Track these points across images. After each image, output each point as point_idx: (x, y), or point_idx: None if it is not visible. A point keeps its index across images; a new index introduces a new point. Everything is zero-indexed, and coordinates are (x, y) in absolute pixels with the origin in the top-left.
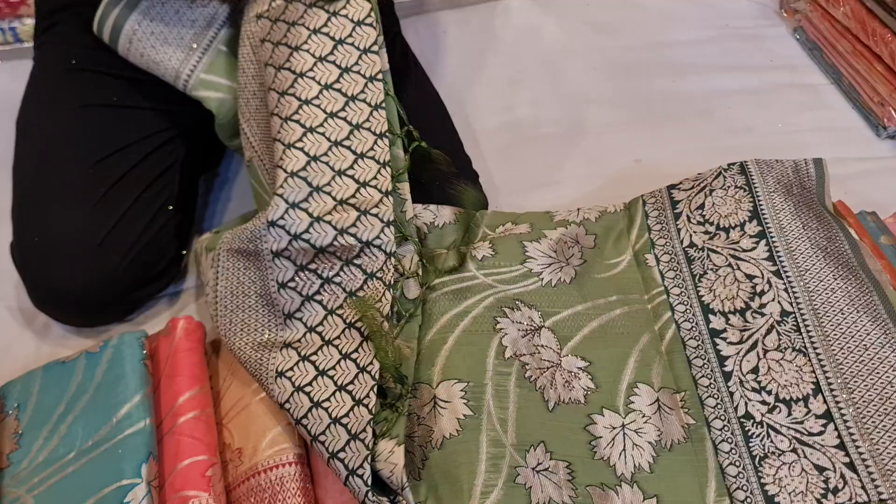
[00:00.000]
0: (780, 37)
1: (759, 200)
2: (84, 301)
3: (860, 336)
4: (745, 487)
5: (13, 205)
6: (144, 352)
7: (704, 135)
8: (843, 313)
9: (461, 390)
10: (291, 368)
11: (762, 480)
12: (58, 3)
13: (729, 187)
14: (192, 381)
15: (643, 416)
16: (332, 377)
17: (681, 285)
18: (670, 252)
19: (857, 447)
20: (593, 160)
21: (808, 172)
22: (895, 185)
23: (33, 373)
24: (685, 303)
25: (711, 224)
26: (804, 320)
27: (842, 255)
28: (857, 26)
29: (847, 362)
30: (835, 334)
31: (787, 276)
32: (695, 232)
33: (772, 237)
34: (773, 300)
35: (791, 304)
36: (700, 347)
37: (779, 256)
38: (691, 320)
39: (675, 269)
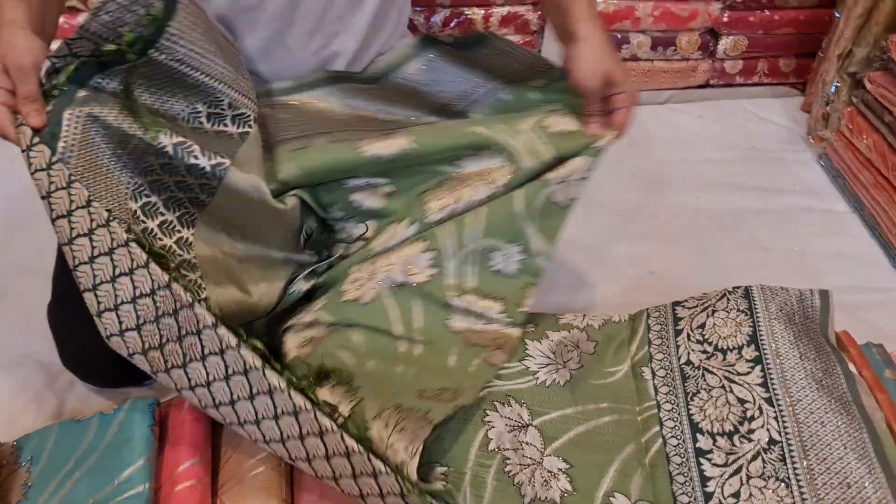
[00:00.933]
0: (805, 162)
1: (759, 326)
2: (106, 365)
3: (844, 472)
4: None
5: (55, 266)
6: (154, 418)
7: (721, 251)
8: (829, 447)
9: (441, 473)
10: None
11: None
12: None
13: (731, 310)
14: (193, 450)
15: None
16: None
17: (673, 401)
18: (667, 367)
19: None
20: (609, 268)
21: (813, 303)
22: None
23: (50, 428)
24: (675, 419)
25: (710, 344)
26: (790, 451)
27: (836, 388)
28: (878, 159)
29: (829, 498)
30: (819, 468)
31: (779, 405)
32: (693, 350)
33: (767, 364)
34: (763, 427)
35: (780, 432)
36: (684, 465)
37: (772, 384)
38: (679, 437)
39: (670, 384)
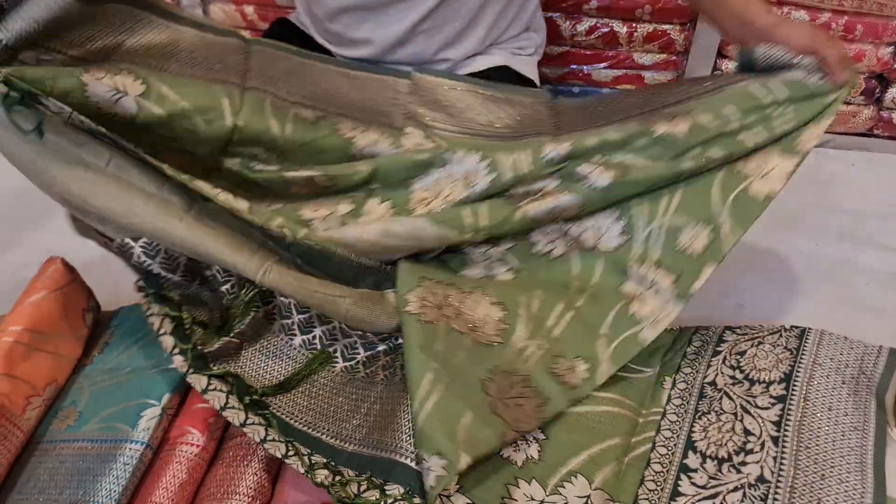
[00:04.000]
0: None
1: (798, 367)
2: None
3: None
4: None
5: None
6: None
7: (829, 304)
8: (819, 502)
9: None
10: None
11: None
12: None
13: (778, 346)
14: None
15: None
16: None
17: (680, 415)
18: (689, 382)
19: None
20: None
21: (878, 361)
22: None
23: (139, 306)
24: (674, 431)
25: (742, 372)
26: (776, 494)
27: (858, 447)
28: None
29: None
30: None
31: (784, 447)
32: (721, 373)
33: (790, 405)
34: (758, 463)
35: (773, 473)
36: (661, 474)
37: (787, 425)
38: (669, 448)
39: (684, 399)
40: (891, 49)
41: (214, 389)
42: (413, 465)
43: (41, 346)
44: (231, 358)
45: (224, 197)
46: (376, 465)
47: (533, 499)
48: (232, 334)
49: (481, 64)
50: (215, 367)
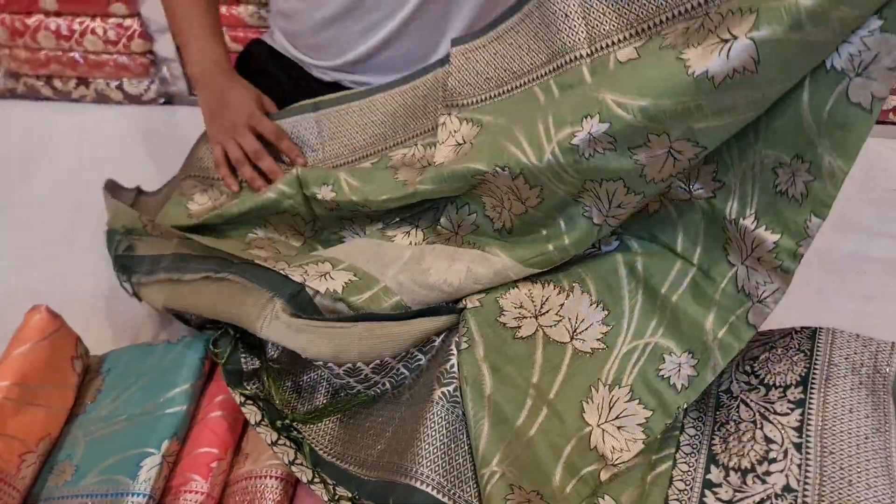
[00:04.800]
0: None
1: (814, 369)
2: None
3: None
4: None
5: None
6: (205, 353)
7: (830, 296)
8: None
9: None
10: None
11: None
12: (247, 70)
13: (791, 348)
14: None
15: None
16: None
17: (699, 428)
18: (704, 393)
19: None
20: None
21: (891, 359)
22: None
23: (129, 347)
24: (694, 446)
25: (756, 377)
26: (804, 502)
27: (882, 449)
28: None
29: None
30: None
31: (808, 453)
32: (736, 380)
33: (810, 409)
34: (782, 472)
35: (799, 482)
36: (685, 492)
37: (808, 431)
38: (691, 465)
39: (701, 410)
40: None
41: (251, 404)
42: (434, 492)
43: (31, 399)
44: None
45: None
46: (396, 491)
47: None
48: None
49: None
50: (249, 387)
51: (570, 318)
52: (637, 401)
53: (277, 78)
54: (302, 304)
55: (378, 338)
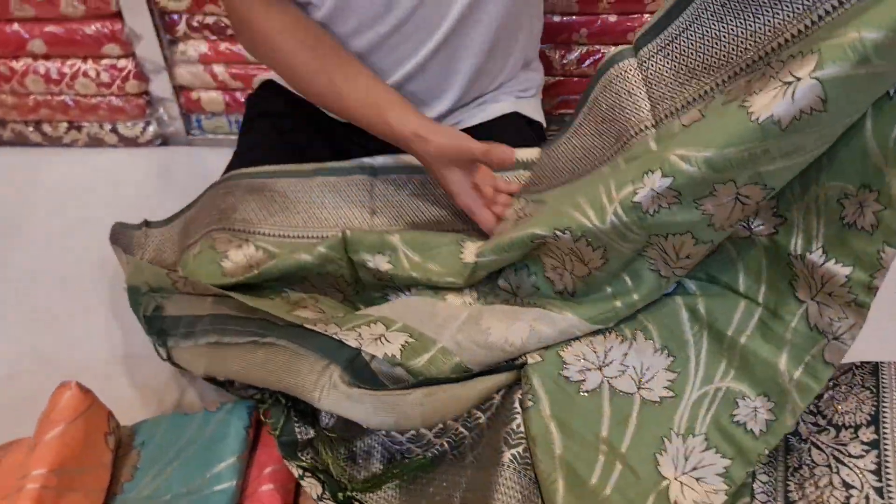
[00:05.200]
0: None
1: (883, 407)
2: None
3: None
4: None
5: None
6: (250, 421)
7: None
8: None
9: None
10: None
11: None
12: (257, 111)
13: (855, 385)
14: (278, 456)
15: None
16: None
17: (771, 473)
18: None
19: None
20: None
21: None
22: None
23: (162, 418)
24: (769, 494)
25: (824, 418)
26: None
27: None
28: None
29: None
30: None
31: (891, 498)
32: (803, 421)
33: (886, 450)
34: None
35: None
36: None
37: (888, 474)
38: None
39: (771, 454)
40: None
41: (310, 477)
42: None
43: (70, 484)
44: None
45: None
46: None
47: None
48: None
49: (491, 112)
50: (305, 458)
51: (634, 368)
52: (714, 450)
53: (294, 121)
54: (359, 369)
55: (440, 401)
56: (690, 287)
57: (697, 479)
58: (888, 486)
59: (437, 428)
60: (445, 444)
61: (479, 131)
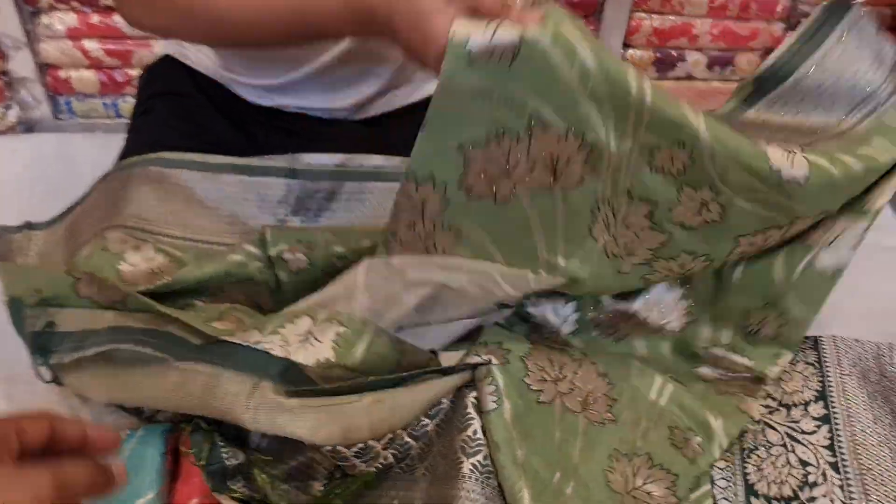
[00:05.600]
0: None
1: (828, 381)
2: None
3: None
4: None
5: None
6: (165, 446)
7: None
8: None
9: None
10: None
11: None
12: (156, 90)
13: (798, 362)
14: (203, 486)
15: None
16: None
17: (728, 458)
18: None
19: None
20: None
21: (892, 361)
22: None
23: None
24: (728, 479)
25: (773, 399)
26: None
27: None
28: None
29: None
30: None
31: (846, 472)
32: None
33: (836, 424)
34: (825, 496)
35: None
36: None
37: (840, 448)
38: (731, 499)
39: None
40: (782, 25)
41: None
42: None
43: None
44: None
45: None
46: None
47: None
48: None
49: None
50: (236, 486)
51: (581, 388)
52: (659, 466)
53: (202, 104)
54: (293, 380)
55: (388, 410)
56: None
57: (649, 493)
58: (843, 460)
59: (385, 439)
60: (391, 455)
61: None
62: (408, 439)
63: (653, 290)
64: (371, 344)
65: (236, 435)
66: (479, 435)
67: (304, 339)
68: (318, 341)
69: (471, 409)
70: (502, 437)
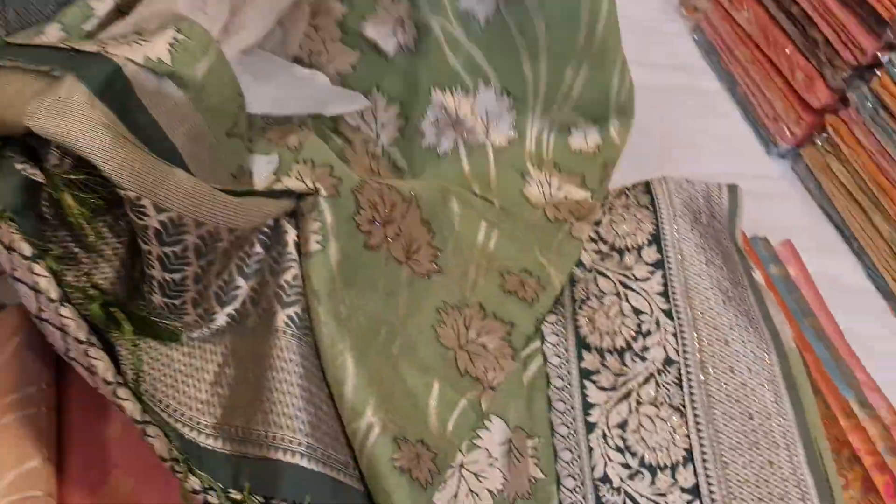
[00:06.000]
0: (677, 35)
1: (662, 223)
2: None
3: (748, 401)
4: None
5: None
6: None
7: None
8: (732, 372)
9: None
10: None
11: None
12: None
13: (631, 205)
14: None
15: (489, 457)
16: None
17: (558, 311)
18: None
19: None
20: None
21: (721, 201)
22: (783, 210)
23: None
24: (559, 333)
25: (605, 243)
26: (689, 373)
27: (744, 301)
28: (758, 33)
29: (727, 430)
30: (719, 395)
31: (679, 318)
32: (585, 250)
33: (670, 269)
34: (659, 344)
35: (678, 351)
36: (565, 390)
37: (674, 293)
38: (562, 355)
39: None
40: None
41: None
42: (305, 462)
43: None
44: None
45: None
46: (254, 469)
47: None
48: None
49: None
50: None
51: (405, 233)
52: (493, 316)
53: None
54: (116, 94)
55: (208, 195)
56: None
57: (483, 346)
58: (676, 306)
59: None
60: (192, 254)
61: None
62: (237, 278)
63: (480, 93)
64: (215, 67)
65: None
66: (298, 282)
67: (129, 41)
68: (147, 42)
69: (291, 249)
70: (325, 286)
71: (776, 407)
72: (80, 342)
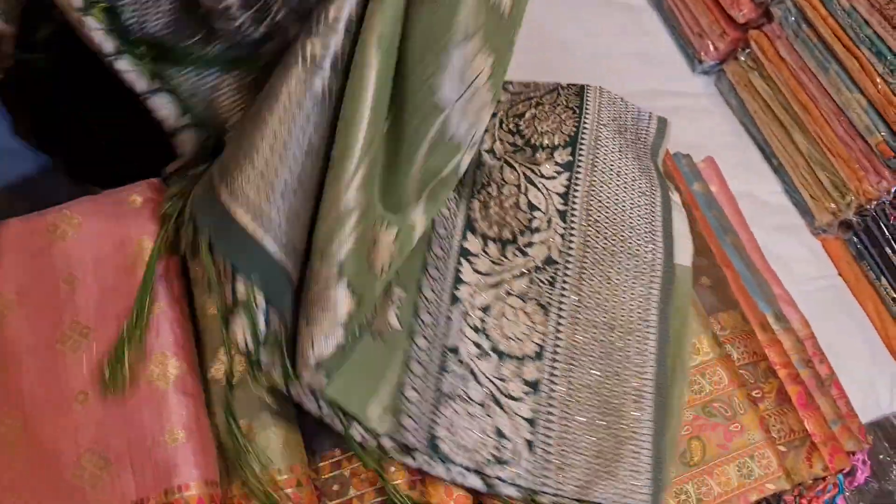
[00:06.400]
0: None
1: (584, 128)
2: None
3: (614, 313)
4: (415, 417)
5: None
6: None
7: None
8: (609, 281)
9: None
10: None
11: (435, 419)
12: None
13: (558, 105)
14: None
15: None
16: None
17: (457, 189)
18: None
19: (548, 433)
20: None
21: (648, 129)
22: (706, 127)
23: None
24: (451, 210)
25: (522, 137)
26: (565, 277)
27: (645, 216)
28: None
29: (585, 337)
30: (588, 302)
31: (572, 222)
32: (500, 139)
33: (577, 173)
34: (543, 243)
35: (561, 254)
36: (442, 260)
37: (574, 197)
38: (447, 229)
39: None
40: None
41: None
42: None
43: None
44: None
45: None
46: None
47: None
48: None
49: None
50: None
51: None
52: None
53: None
54: None
55: None
56: None
57: None
58: (573, 209)
59: None
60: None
61: None
62: None
63: None
64: None
65: None
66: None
67: None
68: None
69: None
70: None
71: (641, 324)
72: None
